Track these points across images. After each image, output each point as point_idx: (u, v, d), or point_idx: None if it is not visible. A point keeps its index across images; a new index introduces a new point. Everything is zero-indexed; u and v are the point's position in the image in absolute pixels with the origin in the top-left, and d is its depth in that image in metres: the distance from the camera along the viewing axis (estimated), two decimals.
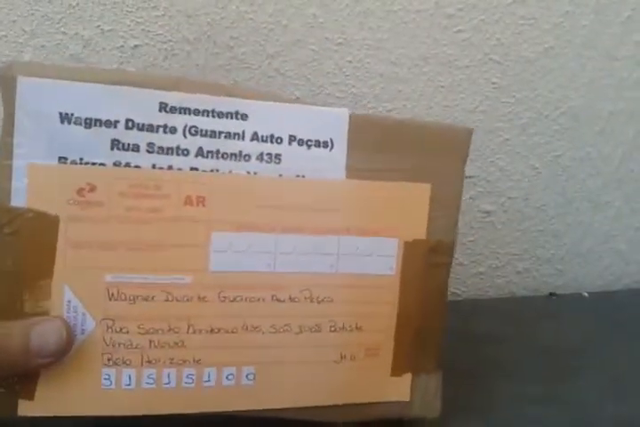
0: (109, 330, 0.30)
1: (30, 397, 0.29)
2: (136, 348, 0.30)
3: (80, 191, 0.29)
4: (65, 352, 0.28)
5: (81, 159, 0.29)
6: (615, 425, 0.39)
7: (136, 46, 0.48)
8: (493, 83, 0.57)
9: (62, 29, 0.47)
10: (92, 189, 0.29)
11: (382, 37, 0.53)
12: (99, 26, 0.47)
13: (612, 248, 0.66)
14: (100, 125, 0.29)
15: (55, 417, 0.29)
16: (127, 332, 0.30)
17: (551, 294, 0.64)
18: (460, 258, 0.61)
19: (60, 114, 0.29)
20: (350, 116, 0.32)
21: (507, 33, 0.56)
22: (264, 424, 0.33)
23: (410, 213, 0.33)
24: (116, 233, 0.29)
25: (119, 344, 0.30)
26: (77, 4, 0.46)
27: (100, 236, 0.29)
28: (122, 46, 0.48)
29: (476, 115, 0.57)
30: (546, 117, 0.60)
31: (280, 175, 0.32)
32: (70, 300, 0.29)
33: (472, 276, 0.63)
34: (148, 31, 0.48)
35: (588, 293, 0.63)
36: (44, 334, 0.28)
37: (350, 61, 0.53)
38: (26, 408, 0.29)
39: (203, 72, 0.49)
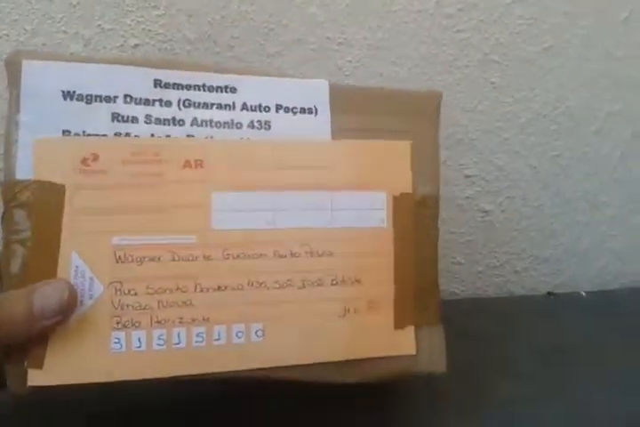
0: (118, 293, 0.30)
1: (39, 365, 0.29)
2: (145, 309, 0.30)
3: (84, 161, 0.30)
4: (68, 311, 0.29)
5: (84, 132, 0.31)
6: (612, 424, 0.39)
7: (136, 45, 0.48)
8: (492, 82, 0.57)
9: (63, 28, 0.47)
10: (96, 158, 0.31)
11: (382, 37, 0.53)
12: (99, 25, 0.47)
13: (610, 248, 0.66)
14: (100, 101, 0.31)
15: (65, 386, 0.29)
16: (135, 293, 0.30)
17: (549, 293, 0.64)
18: (458, 257, 0.62)
19: (63, 92, 0.31)
20: (330, 86, 0.35)
21: (506, 33, 0.56)
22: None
23: (394, 169, 0.36)
24: (120, 198, 0.31)
25: (128, 306, 0.30)
26: (78, 4, 0.46)
27: (106, 201, 0.31)
28: (122, 45, 0.48)
29: (474, 114, 0.58)
30: (544, 117, 0.60)
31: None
32: (78, 265, 0.30)
33: (470, 275, 0.63)
34: (149, 30, 0.48)
35: (585, 292, 0.63)
36: (46, 295, 0.28)
37: (350, 61, 0.53)
38: (35, 377, 0.29)
39: None
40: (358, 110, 0.35)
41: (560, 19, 0.57)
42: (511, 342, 0.49)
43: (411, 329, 0.35)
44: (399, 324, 0.35)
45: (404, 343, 0.35)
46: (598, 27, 0.59)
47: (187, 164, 0.32)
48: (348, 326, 0.33)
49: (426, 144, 0.37)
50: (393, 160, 0.35)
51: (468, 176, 0.59)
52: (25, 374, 0.29)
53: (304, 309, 0.33)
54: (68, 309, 0.29)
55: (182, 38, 0.49)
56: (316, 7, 0.51)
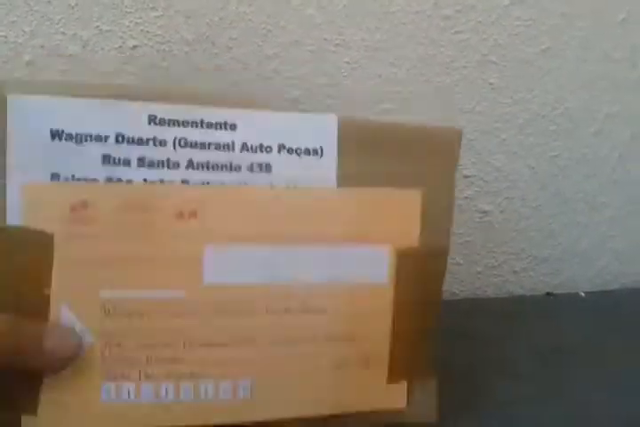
0: (107, 346, 0.30)
1: (33, 413, 0.29)
2: (134, 363, 0.30)
3: (73, 209, 0.29)
4: (77, 355, 0.29)
5: (73, 176, 0.29)
6: (611, 425, 0.39)
7: (135, 47, 0.48)
8: (491, 83, 0.57)
9: (61, 30, 0.47)
10: (85, 205, 0.29)
11: (380, 38, 0.53)
12: (97, 26, 0.47)
13: (609, 248, 0.66)
14: (91, 140, 0.29)
15: None
16: (125, 348, 0.30)
17: (548, 294, 0.64)
18: (457, 257, 0.62)
19: (51, 131, 0.29)
20: (339, 122, 0.33)
21: (504, 34, 0.56)
22: None
23: (401, 221, 0.33)
24: (110, 249, 0.29)
25: (117, 360, 0.30)
26: (77, 5, 0.46)
27: (95, 252, 0.29)
28: (120, 47, 0.48)
29: (473, 115, 0.58)
30: (543, 118, 0.60)
31: (271, 184, 0.32)
32: (68, 317, 0.29)
33: (469, 275, 0.63)
34: (147, 32, 0.48)
35: (584, 292, 0.63)
36: (59, 335, 0.28)
37: (348, 62, 0.53)
38: (29, 425, 0.29)
39: (201, 73, 0.50)
40: (368, 150, 0.33)
41: (558, 20, 0.58)
42: (510, 343, 0.49)
43: (403, 384, 0.34)
44: (392, 379, 0.34)
45: (395, 398, 0.34)
46: (596, 28, 0.59)
47: (179, 214, 0.30)
48: (339, 381, 0.33)
49: (441, 188, 0.34)
50: (401, 210, 0.33)
51: (466, 177, 0.59)
52: (19, 421, 0.29)
53: (295, 365, 0.32)
54: (77, 353, 0.29)
55: (180, 39, 0.49)
56: (314, 9, 0.51)
